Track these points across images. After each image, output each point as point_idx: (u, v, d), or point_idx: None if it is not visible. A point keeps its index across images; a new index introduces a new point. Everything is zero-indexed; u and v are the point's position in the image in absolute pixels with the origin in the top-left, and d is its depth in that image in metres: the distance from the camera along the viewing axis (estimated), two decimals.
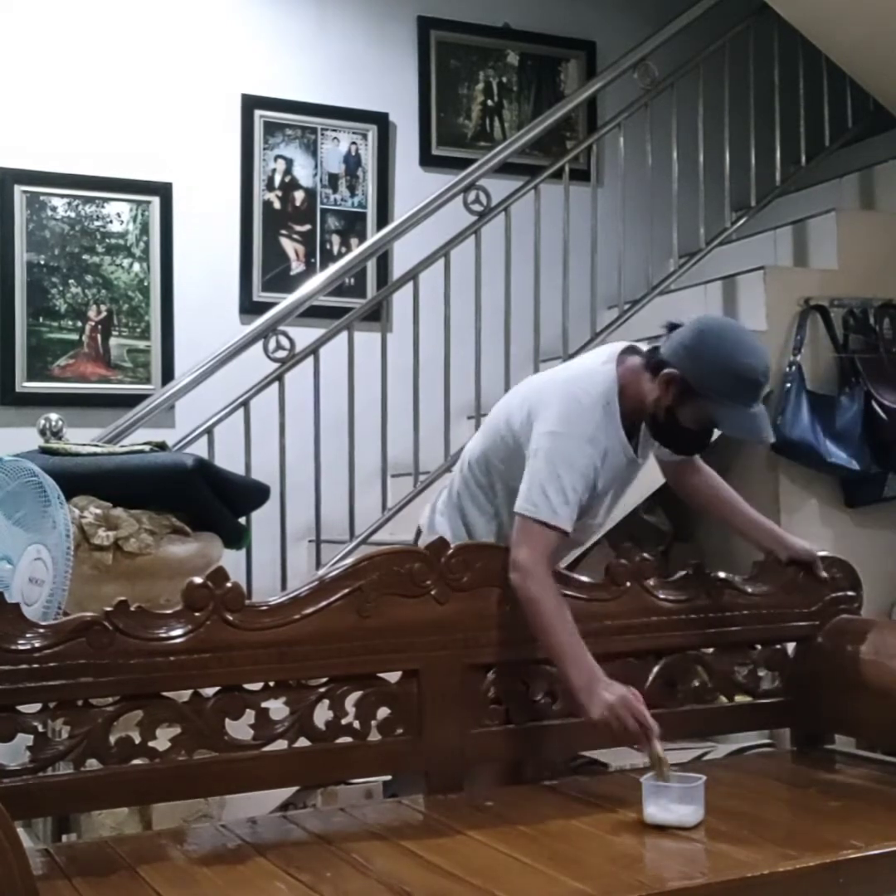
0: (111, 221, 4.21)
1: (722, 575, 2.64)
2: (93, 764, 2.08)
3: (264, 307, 3.81)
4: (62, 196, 4.14)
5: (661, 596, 2.56)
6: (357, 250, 3.97)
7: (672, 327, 2.45)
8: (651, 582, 2.56)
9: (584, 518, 2.47)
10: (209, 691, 2.18)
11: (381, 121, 4.62)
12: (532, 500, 2.35)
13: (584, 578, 2.53)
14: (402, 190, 4.62)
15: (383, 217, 4.55)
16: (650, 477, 2.89)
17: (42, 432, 3.17)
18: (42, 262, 4.12)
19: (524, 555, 2.33)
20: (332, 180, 4.56)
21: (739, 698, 2.67)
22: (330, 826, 2.19)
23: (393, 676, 2.33)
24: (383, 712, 2.31)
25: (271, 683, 2.22)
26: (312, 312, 3.78)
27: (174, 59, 4.31)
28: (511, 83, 4.89)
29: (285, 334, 3.65)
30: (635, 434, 2.49)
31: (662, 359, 2.39)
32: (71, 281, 4.16)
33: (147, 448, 3.00)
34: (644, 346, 2.52)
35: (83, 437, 3.24)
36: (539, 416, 2.41)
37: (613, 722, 2.21)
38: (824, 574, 2.70)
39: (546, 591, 2.32)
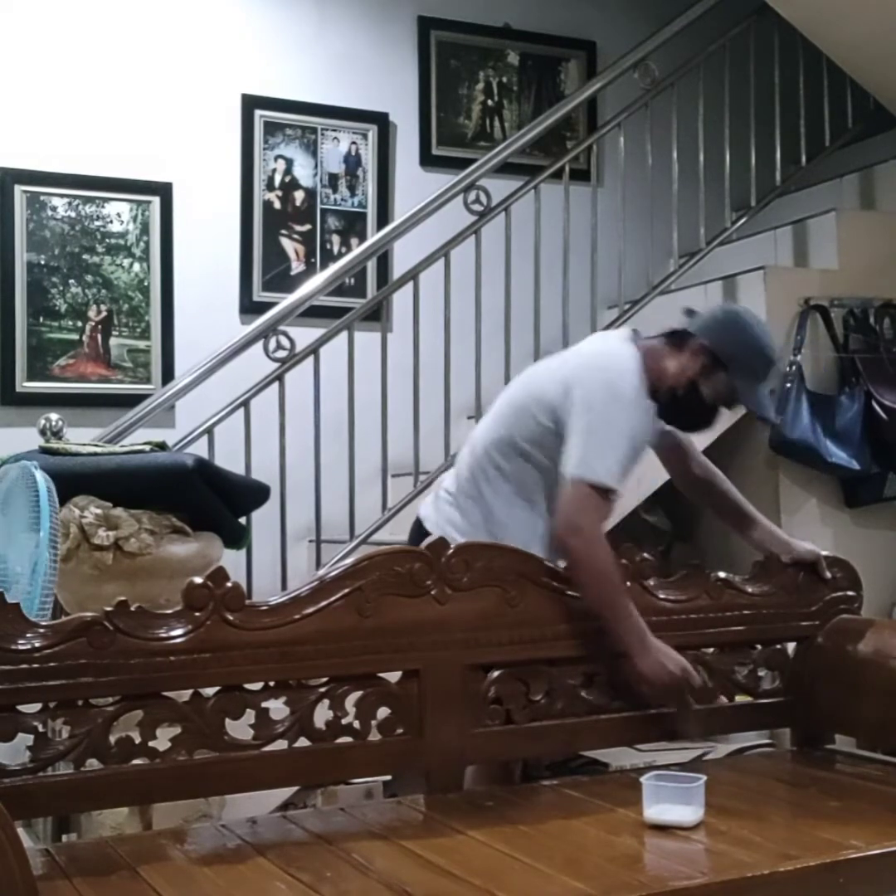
0: (111, 221, 4.21)
1: (722, 575, 2.64)
2: (93, 764, 2.08)
3: (264, 307, 3.81)
4: (62, 196, 4.14)
5: (661, 596, 2.56)
6: (357, 250, 3.97)
7: (690, 312, 2.62)
8: (651, 582, 2.56)
9: None
10: (209, 691, 2.18)
11: (381, 121, 4.62)
12: (589, 464, 2.40)
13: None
14: (402, 190, 4.62)
15: (383, 217, 4.55)
16: (650, 477, 2.90)
17: (42, 432, 3.17)
18: (42, 262, 4.13)
19: (584, 519, 2.39)
20: (333, 180, 4.56)
21: (739, 698, 2.67)
22: (330, 826, 2.19)
23: (393, 676, 2.33)
24: (383, 712, 2.30)
25: (271, 683, 2.22)
26: (312, 312, 3.78)
27: (174, 59, 4.31)
28: (511, 83, 4.89)
29: (285, 334, 3.65)
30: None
31: (690, 334, 2.54)
32: (71, 281, 4.17)
33: (147, 448, 3.00)
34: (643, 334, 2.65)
35: (83, 437, 3.24)
36: (581, 388, 2.47)
37: (663, 694, 2.39)
38: (828, 574, 2.71)
39: (606, 557, 2.41)
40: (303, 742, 2.24)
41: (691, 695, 2.47)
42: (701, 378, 2.53)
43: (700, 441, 3.76)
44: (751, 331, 2.54)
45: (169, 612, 2.13)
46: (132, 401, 3.61)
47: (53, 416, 3.20)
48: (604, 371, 2.50)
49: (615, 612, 2.41)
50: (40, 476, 2.33)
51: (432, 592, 2.33)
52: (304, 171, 4.51)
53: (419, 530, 2.71)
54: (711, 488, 2.80)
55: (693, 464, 2.80)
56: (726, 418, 3.82)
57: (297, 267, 4.48)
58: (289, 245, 4.49)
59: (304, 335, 3.70)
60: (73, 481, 2.66)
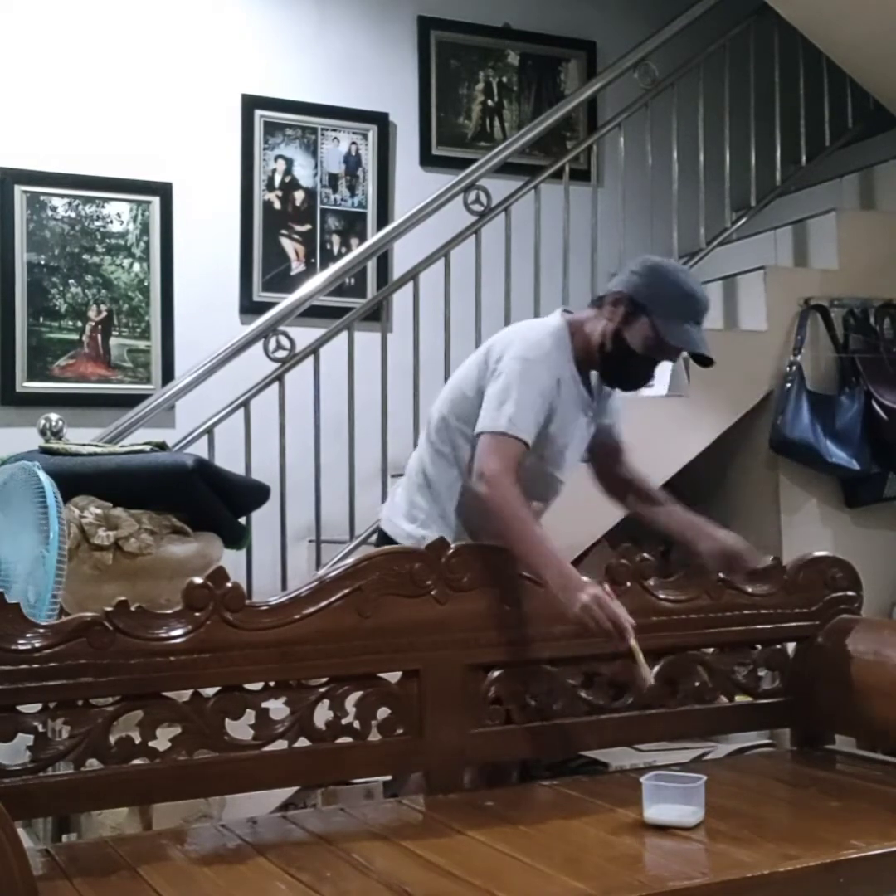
0: (111, 221, 4.21)
1: (722, 575, 2.64)
2: (93, 764, 2.08)
3: (264, 307, 3.81)
4: (62, 196, 4.14)
5: (661, 596, 2.56)
6: (357, 250, 3.97)
7: (614, 275, 2.69)
8: (651, 582, 2.56)
9: (543, 464, 2.57)
10: (209, 691, 2.18)
11: (381, 121, 4.62)
12: (490, 416, 2.46)
13: (585, 578, 2.52)
14: (402, 190, 4.62)
15: (383, 217, 4.55)
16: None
17: (42, 432, 3.17)
18: (42, 262, 4.12)
19: (489, 465, 2.40)
20: (332, 180, 4.56)
21: (739, 698, 2.67)
22: (330, 826, 2.19)
23: (393, 676, 2.33)
24: (383, 712, 2.30)
25: (271, 683, 2.22)
26: (312, 312, 3.78)
27: (174, 60, 4.31)
28: (511, 83, 4.89)
29: (285, 334, 3.65)
30: (587, 382, 2.63)
31: (608, 292, 2.59)
32: (71, 281, 4.16)
33: (147, 448, 3.00)
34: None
35: (83, 437, 3.24)
36: (501, 359, 2.53)
37: (589, 621, 2.24)
38: (757, 565, 2.62)
39: (513, 498, 2.38)
40: (303, 742, 2.24)
41: (631, 636, 2.25)
42: (624, 327, 2.54)
43: (700, 441, 3.80)
44: (667, 274, 2.56)
45: (169, 612, 2.13)
46: (132, 401, 3.61)
47: (53, 416, 3.20)
48: (519, 337, 2.57)
49: (525, 556, 2.36)
50: (45, 477, 2.33)
51: (432, 592, 2.33)
52: (304, 172, 4.51)
53: (381, 536, 2.75)
54: (632, 489, 2.76)
55: (620, 466, 2.78)
56: (726, 419, 3.84)
57: (297, 267, 4.48)
58: (289, 245, 4.49)
59: (304, 335, 3.70)
60: (73, 481, 2.66)
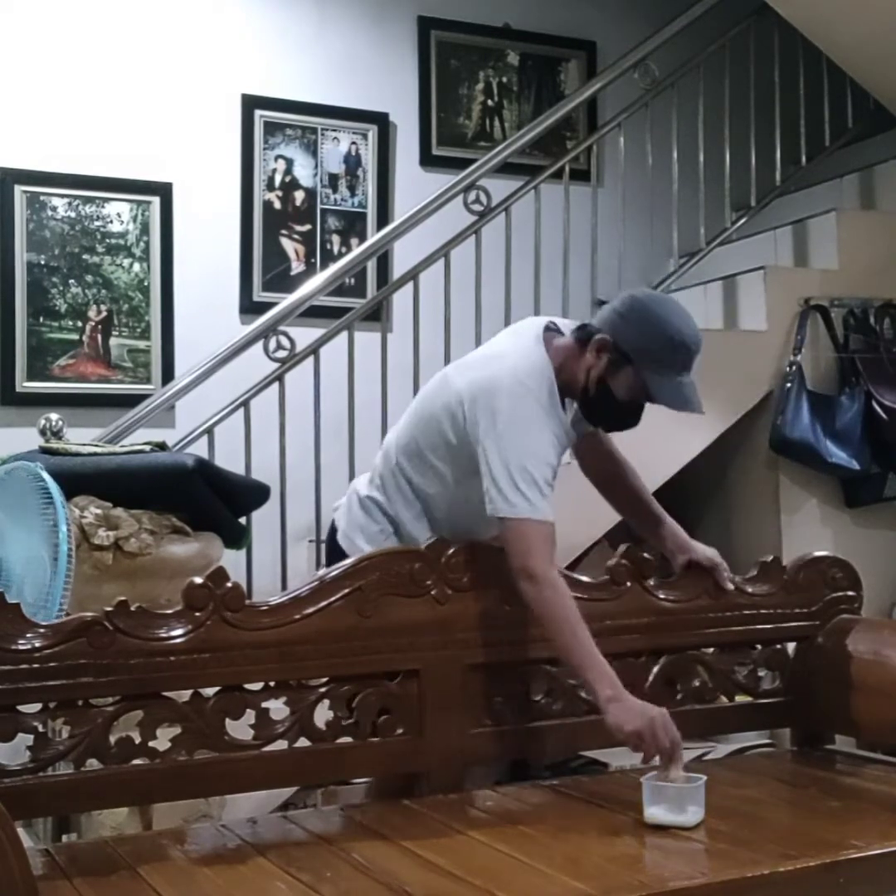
0: (111, 221, 4.21)
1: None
2: (93, 764, 2.08)
3: (264, 307, 3.81)
4: (62, 196, 4.14)
5: (661, 596, 2.56)
6: (357, 250, 3.97)
7: (601, 303, 2.43)
8: (651, 582, 2.56)
9: None
10: (209, 691, 2.18)
11: (381, 121, 4.62)
12: (508, 499, 2.24)
13: (584, 578, 2.52)
14: (402, 190, 4.62)
15: (383, 217, 4.55)
16: (648, 478, 2.89)
17: (42, 432, 3.17)
18: (42, 262, 4.12)
19: (537, 562, 2.24)
20: (333, 180, 4.56)
21: (740, 698, 2.67)
22: (330, 826, 2.19)
23: (393, 676, 2.32)
24: (383, 712, 2.30)
25: (271, 683, 2.22)
26: (312, 312, 3.78)
27: (174, 59, 4.31)
28: (511, 83, 4.89)
29: (285, 334, 3.65)
30: (564, 409, 2.40)
31: (593, 329, 2.34)
32: (71, 281, 4.17)
33: (147, 448, 3.00)
34: (563, 322, 2.48)
35: (83, 437, 3.25)
36: (486, 410, 2.28)
37: (648, 737, 2.17)
38: (731, 585, 2.59)
39: (565, 600, 2.25)
40: (303, 742, 2.24)
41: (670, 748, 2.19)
42: (608, 376, 2.32)
43: (700, 442, 3.79)
44: (655, 320, 2.28)
45: (169, 612, 2.13)
46: (132, 401, 3.61)
47: (53, 416, 3.20)
48: (513, 392, 2.28)
49: (578, 664, 2.26)
50: (51, 481, 2.33)
51: (432, 592, 2.33)
52: (304, 171, 4.51)
53: (332, 541, 2.58)
54: (616, 479, 2.63)
55: (600, 452, 2.63)
56: (726, 419, 3.84)
57: (297, 267, 4.48)
58: (289, 245, 4.49)
59: (304, 335, 3.70)
60: (73, 481, 2.66)
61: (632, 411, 2.39)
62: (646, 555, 2.57)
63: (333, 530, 2.59)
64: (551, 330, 2.43)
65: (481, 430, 2.29)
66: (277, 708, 2.22)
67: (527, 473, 2.25)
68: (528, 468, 2.25)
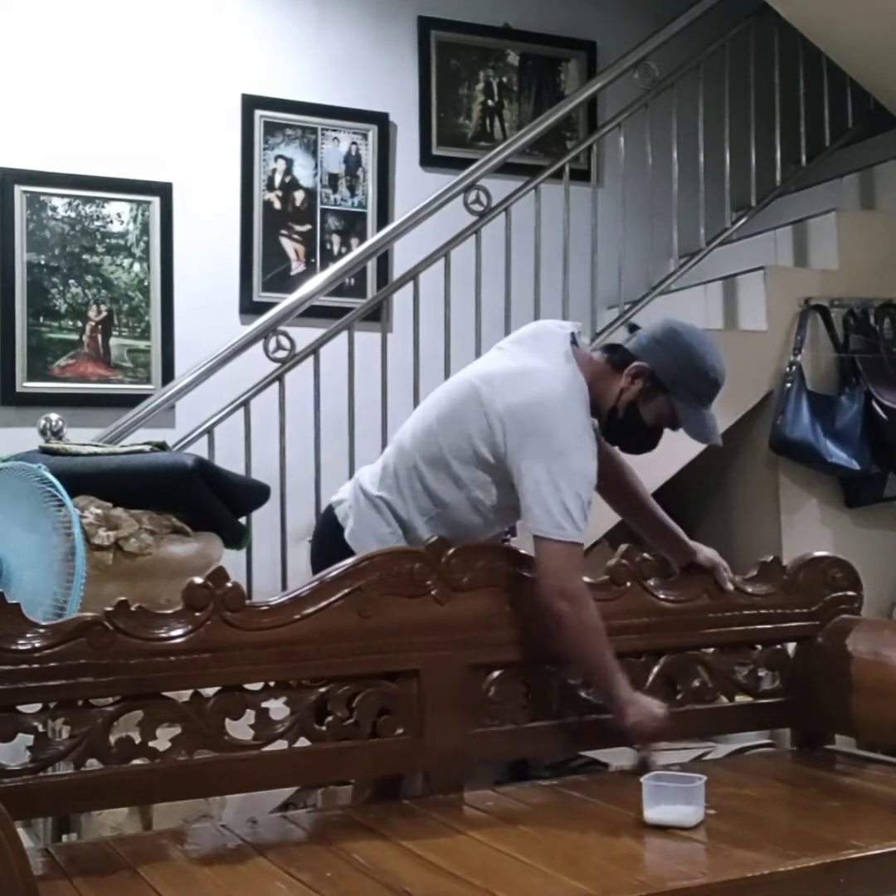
0: (111, 221, 4.21)
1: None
2: (93, 764, 2.08)
3: (264, 307, 3.81)
4: (62, 196, 4.14)
5: (661, 596, 2.56)
6: (357, 250, 3.97)
7: (632, 328, 2.50)
8: (651, 582, 2.56)
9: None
10: (209, 691, 2.18)
11: (381, 121, 4.62)
12: (557, 523, 2.27)
13: (585, 578, 2.52)
14: (402, 190, 4.62)
15: (383, 217, 4.55)
16: (648, 478, 2.89)
17: (42, 432, 3.17)
18: (42, 262, 4.12)
19: (571, 582, 2.31)
20: (333, 180, 4.56)
21: (739, 698, 2.67)
22: (330, 826, 2.19)
23: (393, 676, 2.32)
24: (383, 712, 2.30)
25: (271, 683, 2.22)
26: (312, 312, 3.78)
27: (174, 60, 4.31)
28: (511, 83, 4.89)
29: (285, 334, 3.65)
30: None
31: (630, 353, 2.41)
32: (71, 281, 4.16)
33: (147, 448, 3.00)
34: (573, 325, 2.50)
35: (83, 437, 3.25)
36: (534, 434, 2.31)
37: (636, 737, 2.40)
38: (731, 585, 2.62)
39: (597, 623, 2.34)
40: (303, 742, 2.24)
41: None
42: (641, 402, 2.40)
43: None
44: (693, 352, 2.38)
45: (169, 612, 2.13)
46: (132, 401, 3.61)
47: (53, 416, 3.20)
48: (558, 413, 2.32)
49: (603, 674, 2.38)
50: (58, 484, 2.33)
51: (432, 592, 2.33)
52: (304, 172, 4.51)
53: (334, 535, 2.52)
54: (616, 480, 2.63)
55: (600, 454, 2.54)
56: (726, 419, 3.84)
57: (297, 267, 4.48)
58: (289, 245, 4.49)
59: (304, 335, 3.70)
60: (73, 481, 2.66)
61: (653, 436, 2.49)
62: (646, 555, 2.57)
63: (335, 524, 2.53)
64: (574, 343, 2.46)
65: (529, 454, 2.31)
66: (277, 708, 2.22)
67: (578, 499, 2.30)
68: (580, 493, 2.30)
